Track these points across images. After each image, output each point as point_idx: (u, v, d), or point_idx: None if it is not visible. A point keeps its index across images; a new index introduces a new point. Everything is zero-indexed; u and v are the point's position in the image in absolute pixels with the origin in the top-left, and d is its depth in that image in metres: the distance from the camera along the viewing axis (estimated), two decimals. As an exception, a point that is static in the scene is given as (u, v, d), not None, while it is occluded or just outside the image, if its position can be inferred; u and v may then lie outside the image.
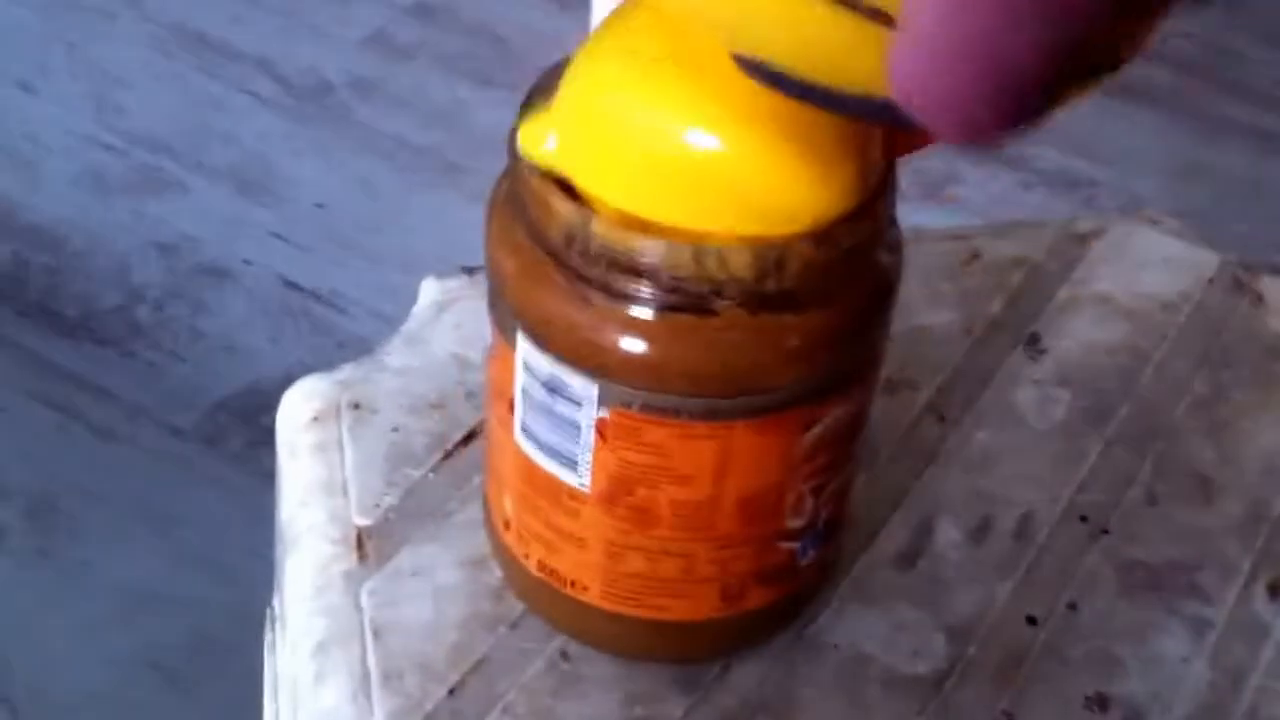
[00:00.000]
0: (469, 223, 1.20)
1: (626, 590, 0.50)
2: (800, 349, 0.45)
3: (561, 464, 0.48)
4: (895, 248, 0.48)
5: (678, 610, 0.51)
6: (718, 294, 0.43)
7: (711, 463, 0.46)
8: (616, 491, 0.48)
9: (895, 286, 0.48)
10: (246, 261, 1.45)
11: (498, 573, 0.55)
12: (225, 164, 1.47)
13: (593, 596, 0.51)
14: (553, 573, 0.51)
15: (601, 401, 0.46)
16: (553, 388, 0.46)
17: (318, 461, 0.59)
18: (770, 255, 0.43)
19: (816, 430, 0.47)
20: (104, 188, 1.46)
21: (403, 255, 1.41)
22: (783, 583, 0.51)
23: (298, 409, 0.61)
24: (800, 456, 0.47)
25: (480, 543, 0.56)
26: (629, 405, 0.45)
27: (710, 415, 0.45)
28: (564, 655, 0.53)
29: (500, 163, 0.47)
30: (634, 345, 0.44)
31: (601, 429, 0.46)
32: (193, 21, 1.36)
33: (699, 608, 0.51)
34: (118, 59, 1.40)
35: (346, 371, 0.62)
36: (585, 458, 0.47)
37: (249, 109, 1.42)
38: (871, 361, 0.49)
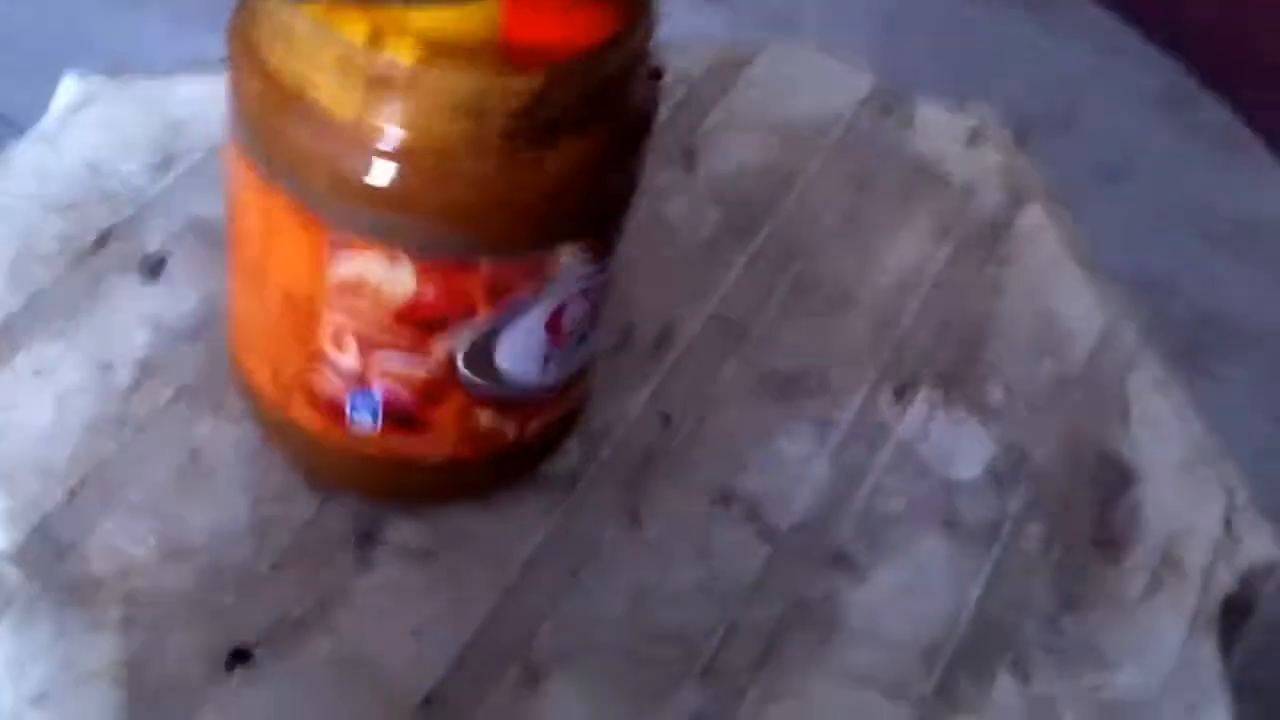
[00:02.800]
0: (166, 42, 1.15)
1: (234, 315, 0.52)
2: (311, 137, 0.43)
3: None
4: None
5: (249, 363, 0.51)
6: None
7: (258, 216, 0.46)
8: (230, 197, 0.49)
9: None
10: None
11: (127, 374, 0.54)
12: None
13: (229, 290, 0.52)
14: None
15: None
16: None
17: (-62, 262, 0.56)
18: None
19: (347, 262, 0.45)
20: None
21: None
22: (332, 423, 0.50)
23: (-83, 208, 0.58)
24: (332, 282, 0.45)
25: (110, 345, 0.55)
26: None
27: (258, 164, 0.45)
28: (193, 456, 0.53)
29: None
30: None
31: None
32: None
33: (259, 376, 0.51)
34: None
35: (-29, 170, 0.59)
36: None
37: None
38: (460, 240, 0.45)
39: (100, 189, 0.60)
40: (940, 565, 0.55)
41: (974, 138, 0.70)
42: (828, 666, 0.52)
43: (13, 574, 0.48)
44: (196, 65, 0.65)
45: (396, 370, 0.47)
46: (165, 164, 0.61)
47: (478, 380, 0.48)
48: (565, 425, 0.54)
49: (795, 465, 0.56)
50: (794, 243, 0.64)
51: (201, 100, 0.63)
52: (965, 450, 0.59)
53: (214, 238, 0.58)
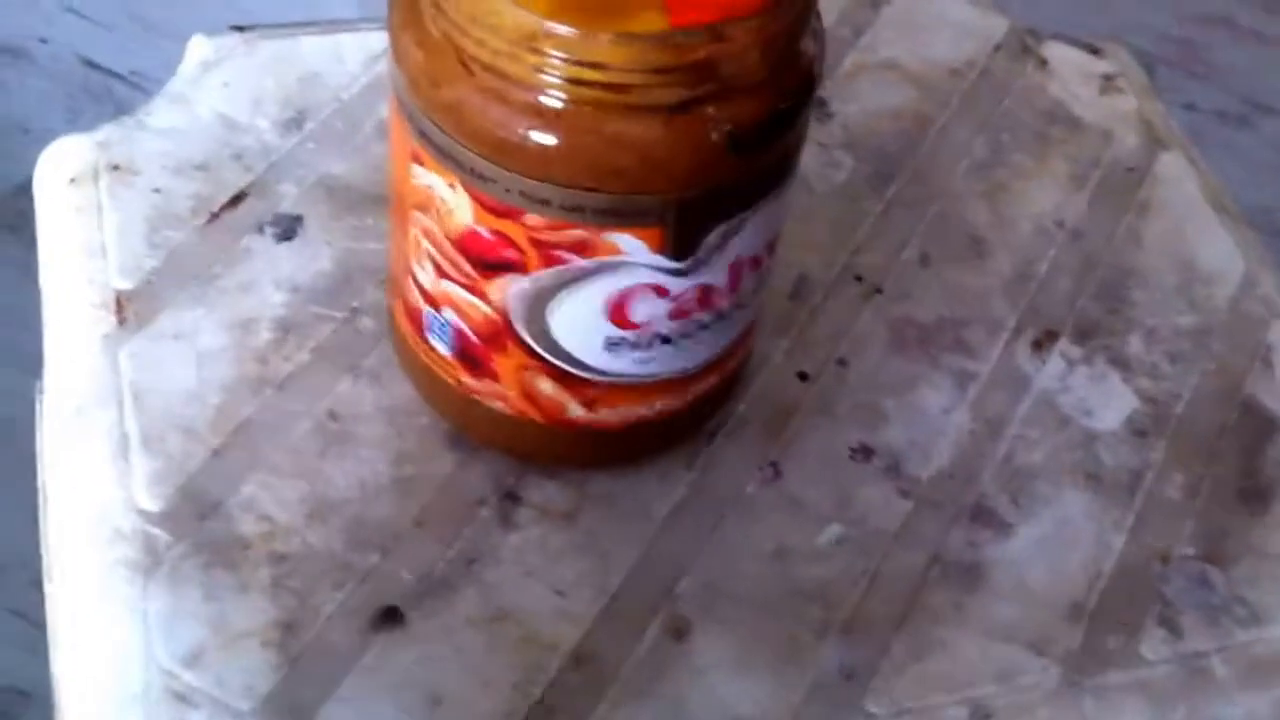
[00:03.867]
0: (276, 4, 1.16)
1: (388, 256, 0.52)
2: (418, 61, 0.44)
3: None
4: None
5: (391, 292, 0.52)
6: None
7: (397, 128, 0.47)
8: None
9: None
10: (42, 40, 1.40)
11: (265, 335, 0.54)
12: (16, -61, 1.40)
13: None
14: None
15: None
16: None
17: (76, 224, 0.57)
18: None
19: (419, 174, 0.45)
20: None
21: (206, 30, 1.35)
22: (419, 338, 0.50)
23: (54, 170, 0.58)
24: (412, 186, 0.46)
25: (247, 305, 0.55)
26: None
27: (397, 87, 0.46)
28: (332, 416, 0.53)
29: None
30: None
31: None
32: None
33: (393, 292, 0.52)
34: None
35: (105, 132, 0.59)
36: None
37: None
38: (593, 169, 0.43)
39: (232, 148, 0.60)
40: (1083, 517, 0.54)
41: (1109, 82, 0.69)
42: (972, 621, 0.51)
43: (161, 535, 0.49)
44: (322, 23, 0.65)
45: (459, 302, 0.47)
46: (296, 121, 0.61)
47: (532, 341, 0.47)
48: (650, 429, 0.51)
49: (935, 417, 0.56)
50: (930, 190, 0.63)
51: (329, 56, 0.63)
52: (1106, 400, 0.58)
53: (346, 196, 0.58)
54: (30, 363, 0.59)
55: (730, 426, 0.55)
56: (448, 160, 0.44)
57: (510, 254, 0.45)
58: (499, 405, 0.50)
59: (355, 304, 0.55)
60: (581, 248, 0.44)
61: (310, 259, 0.57)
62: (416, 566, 0.49)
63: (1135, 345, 0.59)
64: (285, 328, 0.55)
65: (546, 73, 0.41)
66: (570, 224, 0.44)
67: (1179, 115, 0.70)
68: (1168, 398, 0.58)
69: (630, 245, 0.44)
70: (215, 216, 0.58)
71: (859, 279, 0.60)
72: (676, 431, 0.53)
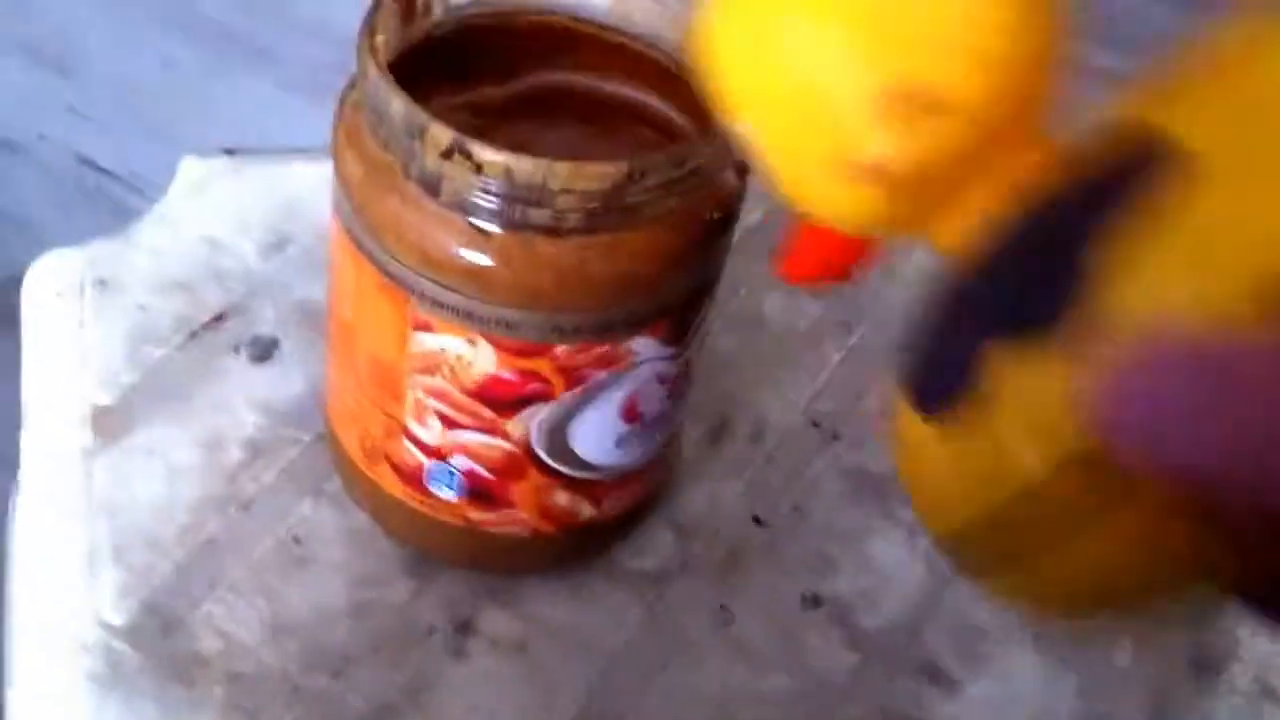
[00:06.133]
0: (276, 108, 1.18)
1: (329, 380, 0.53)
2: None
3: None
4: None
5: (338, 423, 0.53)
6: None
7: (353, 282, 0.47)
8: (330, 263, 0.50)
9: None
10: (41, 136, 1.42)
11: (235, 454, 0.56)
12: (21, 35, 1.42)
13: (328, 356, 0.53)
14: None
15: None
16: None
17: (60, 336, 0.58)
18: None
19: (427, 340, 0.46)
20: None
21: (204, 138, 1.37)
22: (415, 491, 0.51)
23: (42, 283, 0.60)
24: (413, 354, 0.47)
25: (218, 425, 0.56)
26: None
27: (353, 233, 0.46)
28: (295, 539, 0.54)
29: (318, 52, 0.48)
30: None
31: None
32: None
33: (348, 436, 0.52)
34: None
35: (95, 247, 0.61)
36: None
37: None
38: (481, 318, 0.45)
39: (214, 269, 0.61)
40: (1030, 678, 0.55)
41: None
42: (912, 772, 0.52)
43: (124, 649, 0.50)
44: (309, 150, 0.67)
45: (473, 446, 0.48)
46: (278, 245, 0.63)
47: (552, 461, 0.49)
48: (645, 505, 0.55)
49: (886, 569, 0.57)
50: (890, 341, 0.65)
51: (314, 183, 0.65)
52: (1054, 557, 0.59)
53: (321, 321, 0.60)
54: (8, 461, 0.60)
55: (682, 567, 0.56)
56: (468, 320, 0.45)
57: (535, 388, 0.47)
58: (512, 530, 0.51)
59: (322, 427, 0.57)
60: (605, 361, 0.47)
61: (283, 381, 0.58)
62: (367, 692, 0.50)
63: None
64: (255, 448, 0.56)
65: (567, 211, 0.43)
66: (601, 342, 0.46)
67: None
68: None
69: (643, 345, 0.47)
70: (194, 335, 0.59)
71: (816, 425, 0.61)
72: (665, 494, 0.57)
